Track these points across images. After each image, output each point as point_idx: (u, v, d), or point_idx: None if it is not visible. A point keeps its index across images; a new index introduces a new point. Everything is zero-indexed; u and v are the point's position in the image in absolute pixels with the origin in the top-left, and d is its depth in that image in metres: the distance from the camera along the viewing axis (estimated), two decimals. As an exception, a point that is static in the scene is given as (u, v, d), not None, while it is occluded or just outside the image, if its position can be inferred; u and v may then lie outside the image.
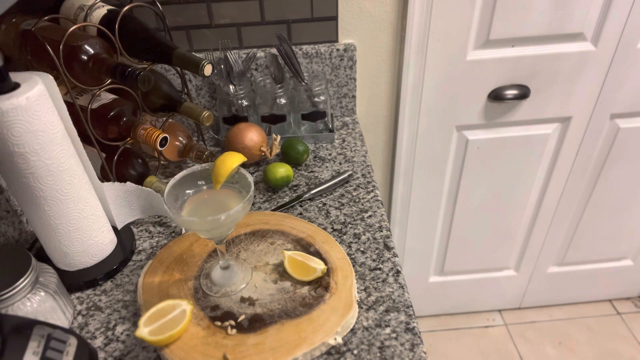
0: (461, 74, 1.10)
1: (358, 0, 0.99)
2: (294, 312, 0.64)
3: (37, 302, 0.59)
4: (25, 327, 0.52)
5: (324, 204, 0.86)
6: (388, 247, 0.76)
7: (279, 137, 0.95)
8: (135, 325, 0.65)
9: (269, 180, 0.88)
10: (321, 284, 0.67)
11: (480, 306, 1.70)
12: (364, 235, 0.79)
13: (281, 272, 0.70)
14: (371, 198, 0.86)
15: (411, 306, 0.66)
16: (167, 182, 0.62)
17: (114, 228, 0.78)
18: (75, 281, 0.71)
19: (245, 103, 0.99)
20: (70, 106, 0.70)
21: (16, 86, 0.57)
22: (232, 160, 0.62)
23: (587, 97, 1.16)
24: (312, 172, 0.94)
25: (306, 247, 0.74)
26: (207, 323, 0.63)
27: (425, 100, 1.14)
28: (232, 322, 0.63)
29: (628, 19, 1.03)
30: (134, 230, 0.82)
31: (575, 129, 1.22)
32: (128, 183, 0.77)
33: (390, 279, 0.70)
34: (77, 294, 0.71)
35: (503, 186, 1.33)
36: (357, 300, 0.66)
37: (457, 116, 1.18)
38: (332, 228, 0.80)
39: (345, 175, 0.90)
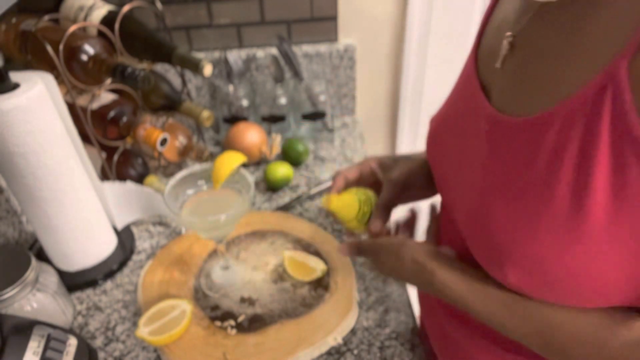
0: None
1: (358, 0, 0.99)
2: (294, 312, 0.64)
3: (37, 302, 0.59)
4: (25, 327, 0.52)
5: (324, 204, 0.86)
6: (388, 247, 0.76)
7: (279, 137, 0.95)
8: (135, 325, 0.65)
9: (269, 180, 0.88)
10: (321, 284, 0.67)
11: (480, 306, 1.69)
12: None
13: (281, 272, 0.70)
14: (371, 198, 0.86)
15: (411, 306, 0.66)
16: (167, 182, 0.62)
17: (114, 228, 0.78)
18: (75, 281, 0.71)
19: (245, 103, 0.99)
20: (70, 106, 0.70)
21: (16, 86, 0.57)
22: (232, 160, 0.62)
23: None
24: (312, 172, 0.94)
25: (306, 247, 0.74)
26: (207, 323, 0.63)
27: (425, 101, 1.14)
28: (232, 322, 0.63)
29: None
30: (134, 230, 0.82)
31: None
32: (128, 183, 0.77)
33: (390, 279, 0.70)
34: (77, 294, 0.71)
35: (503, 186, 1.33)
36: (357, 301, 0.66)
37: (457, 116, 1.18)
38: (332, 228, 0.80)
39: (345, 175, 0.90)
